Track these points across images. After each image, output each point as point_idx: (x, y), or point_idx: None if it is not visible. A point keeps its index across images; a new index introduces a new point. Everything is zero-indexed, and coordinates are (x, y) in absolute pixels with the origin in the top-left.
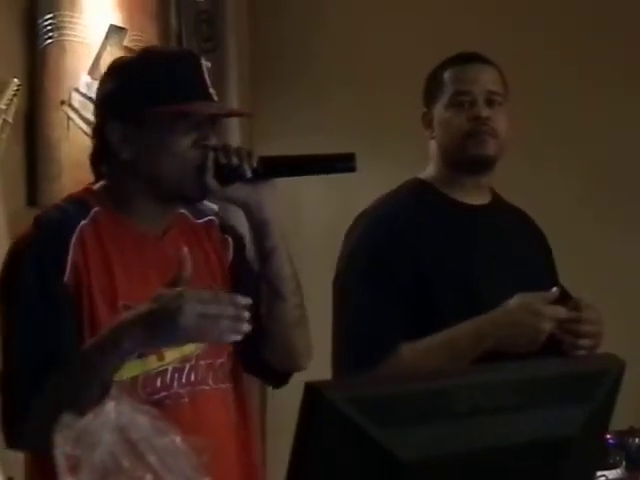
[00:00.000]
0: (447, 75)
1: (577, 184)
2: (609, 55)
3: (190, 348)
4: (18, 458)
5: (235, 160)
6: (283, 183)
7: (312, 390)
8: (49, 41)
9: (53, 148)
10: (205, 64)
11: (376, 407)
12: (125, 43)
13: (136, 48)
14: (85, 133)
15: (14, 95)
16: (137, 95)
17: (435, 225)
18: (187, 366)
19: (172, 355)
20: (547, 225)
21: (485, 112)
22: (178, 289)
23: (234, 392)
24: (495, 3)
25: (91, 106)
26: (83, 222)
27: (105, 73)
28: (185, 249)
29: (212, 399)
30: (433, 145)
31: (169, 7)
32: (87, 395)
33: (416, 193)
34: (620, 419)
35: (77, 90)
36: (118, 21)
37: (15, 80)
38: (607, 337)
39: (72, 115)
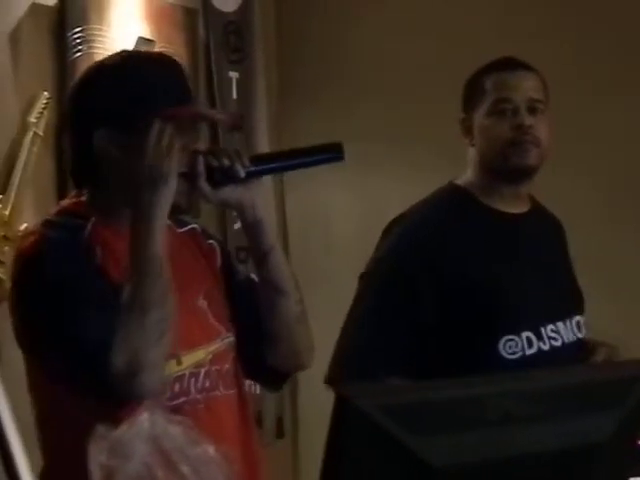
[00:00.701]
0: (488, 81)
1: (598, 186)
2: (629, 56)
3: (202, 354)
4: None
5: (226, 161)
6: (311, 194)
7: (343, 398)
8: (78, 54)
9: None
10: (233, 75)
11: (407, 415)
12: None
13: None
14: None
15: (44, 108)
16: (124, 104)
17: (472, 234)
18: (202, 371)
19: (189, 360)
20: (568, 227)
21: (528, 120)
22: None
23: (238, 398)
24: (522, 14)
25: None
26: (87, 229)
27: (83, 79)
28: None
29: (223, 405)
30: (472, 152)
31: (197, 19)
32: (162, 274)
33: (452, 201)
34: None
35: None
36: (146, 33)
37: (45, 93)
38: (632, 340)
39: None
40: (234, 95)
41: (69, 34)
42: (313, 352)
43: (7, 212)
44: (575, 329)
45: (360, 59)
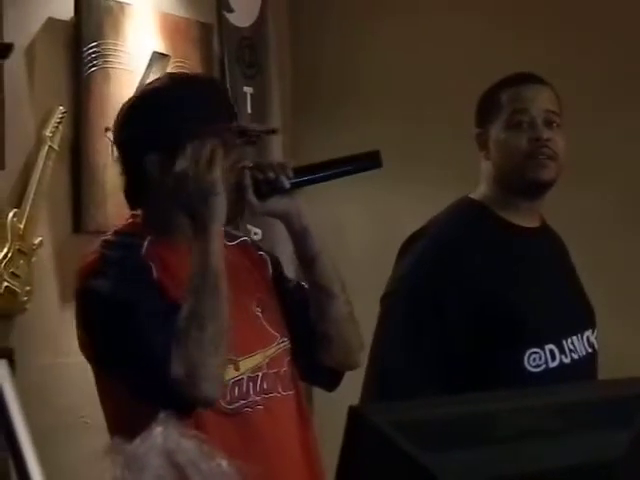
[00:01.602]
0: (504, 95)
1: (607, 199)
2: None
3: (259, 358)
4: None
5: (272, 174)
6: (324, 210)
7: (356, 414)
8: (94, 69)
9: (98, 174)
10: (247, 90)
11: (420, 431)
12: (168, 70)
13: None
14: None
15: (59, 122)
16: (174, 127)
17: (492, 248)
18: (260, 375)
19: (246, 365)
20: (578, 241)
21: (546, 134)
22: None
23: (296, 399)
24: (533, 29)
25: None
26: (145, 247)
27: (130, 106)
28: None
29: (283, 406)
30: (487, 166)
31: (212, 34)
32: (219, 286)
33: (470, 215)
34: None
35: None
36: (161, 48)
37: (60, 107)
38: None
39: None
40: (249, 110)
41: (84, 49)
42: (363, 350)
43: (22, 225)
44: (586, 344)
45: (374, 74)
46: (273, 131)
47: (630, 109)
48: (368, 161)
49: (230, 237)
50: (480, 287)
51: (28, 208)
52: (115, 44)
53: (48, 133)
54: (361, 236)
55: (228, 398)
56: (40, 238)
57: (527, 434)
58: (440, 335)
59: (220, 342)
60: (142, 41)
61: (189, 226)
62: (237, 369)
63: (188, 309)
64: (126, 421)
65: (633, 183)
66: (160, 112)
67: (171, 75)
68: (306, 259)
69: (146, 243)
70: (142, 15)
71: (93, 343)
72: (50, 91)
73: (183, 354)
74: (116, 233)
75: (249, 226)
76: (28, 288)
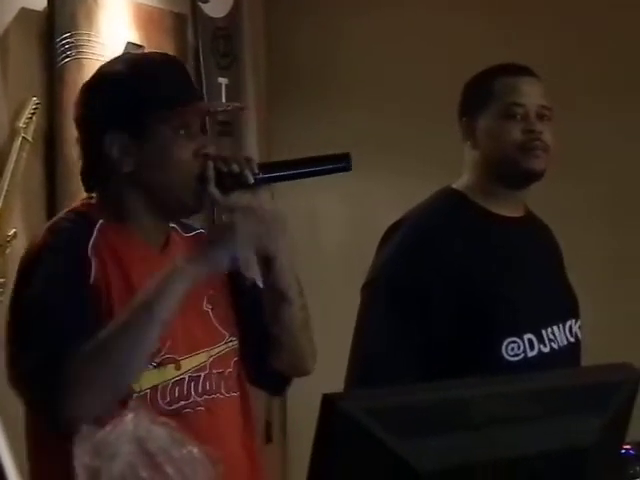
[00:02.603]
0: (497, 85)
1: (591, 193)
2: (628, 66)
3: (203, 357)
4: None
5: (236, 167)
6: (299, 200)
7: (329, 401)
8: (67, 59)
9: (72, 166)
10: (222, 80)
11: (393, 418)
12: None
13: None
14: None
15: (33, 113)
16: (135, 106)
17: (471, 237)
18: (202, 375)
19: (188, 364)
20: (562, 233)
21: (539, 126)
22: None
23: (241, 400)
24: (510, 17)
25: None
26: (95, 234)
27: (90, 84)
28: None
29: (225, 407)
30: (474, 155)
31: (186, 24)
32: (149, 338)
33: (450, 204)
34: None
35: None
36: (135, 39)
37: (34, 98)
38: (626, 345)
39: None
40: (223, 100)
41: (58, 39)
42: (316, 357)
43: None
44: (568, 333)
45: (349, 65)
46: (241, 109)
47: (618, 105)
48: (338, 163)
49: (186, 229)
50: (458, 275)
51: (2, 200)
52: (89, 35)
53: (21, 124)
54: (336, 226)
55: (168, 399)
56: (14, 229)
57: (501, 420)
58: (420, 322)
59: (118, 385)
60: (116, 31)
61: (144, 212)
62: (178, 368)
63: (108, 335)
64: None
65: (618, 177)
66: (120, 91)
67: (132, 54)
68: (264, 259)
69: (96, 229)
70: (116, 5)
71: (8, 333)
72: (23, 82)
73: (71, 374)
74: (68, 214)
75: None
76: (2, 280)
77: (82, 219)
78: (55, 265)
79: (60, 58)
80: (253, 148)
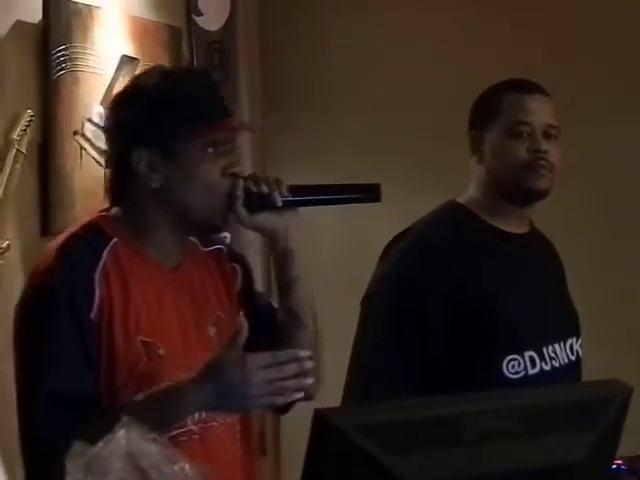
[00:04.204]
0: (505, 101)
1: (583, 201)
2: (620, 73)
3: None
4: None
5: (265, 188)
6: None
7: (321, 417)
8: (62, 72)
9: (66, 178)
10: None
11: (385, 434)
12: (137, 73)
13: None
14: (98, 163)
15: (27, 126)
16: (166, 122)
17: (474, 253)
18: None
19: None
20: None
21: (545, 145)
22: (241, 356)
23: (240, 424)
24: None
25: (103, 136)
26: (105, 256)
27: (122, 96)
28: (243, 319)
29: (220, 433)
30: (479, 169)
31: (181, 37)
32: None
33: (454, 219)
34: (631, 445)
35: (90, 120)
36: (130, 51)
37: (28, 111)
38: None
39: (85, 145)
40: None
41: (53, 52)
42: (320, 384)
43: None
44: (569, 352)
45: (343, 77)
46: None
47: (618, 105)
48: (367, 194)
49: (205, 242)
50: (460, 290)
51: None
52: (84, 47)
53: (16, 136)
54: (333, 238)
55: None
56: (7, 241)
57: (492, 436)
58: (419, 339)
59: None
60: (111, 44)
61: (165, 229)
62: None
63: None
64: None
65: (608, 186)
66: (150, 107)
67: (164, 68)
68: (284, 282)
69: (106, 251)
70: (111, 18)
71: (16, 354)
72: (18, 94)
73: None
74: (83, 229)
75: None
76: None
77: (96, 236)
78: (66, 314)
79: (55, 70)
80: (248, 159)
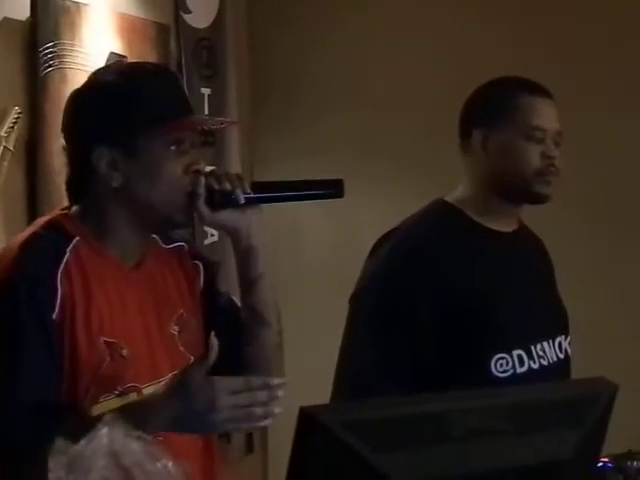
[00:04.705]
0: (521, 102)
1: (583, 201)
2: (620, 73)
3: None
4: None
5: (227, 185)
6: (284, 209)
7: (307, 414)
8: (50, 69)
9: (54, 176)
10: (205, 91)
11: (371, 431)
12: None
13: None
14: None
15: (15, 123)
16: (125, 120)
17: (462, 251)
18: None
19: (149, 391)
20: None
21: (555, 153)
22: (210, 379)
23: None
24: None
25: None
26: (68, 254)
27: (81, 93)
28: (214, 339)
29: (185, 434)
30: (476, 167)
31: (169, 35)
32: None
33: (442, 217)
34: (618, 442)
35: None
36: (118, 49)
37: (16, 108)
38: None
39: None
40: (206, 111)
41: (40, 49)
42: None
43: None
44: (557, 350)
45: (331, 74)
46: (233, 123)
47: (618, 105)
48: (330, 189)
49: (166, 239)
50: (448, 289)
51: None
52: (72, 44)
53: (3, 134)
54: (318, 238)
55: None
56: None
57: (478, 434)
58: (407, 338)
59: None
60: (99, 41)
61: (126, 228)
62: (140, 396)
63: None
64: None
65: (608, 186)
66: (110, 104)
67: (124, 64)
68: (246, 280)
69: (69, 250)
70: (99, 15)
71: None
72: (5, 91)
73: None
74: (44, 227)
75: (205, 228)
76: None
77: (58, 234)
78: (28, 315)
79: (43, 68)
80: (236, 158)
